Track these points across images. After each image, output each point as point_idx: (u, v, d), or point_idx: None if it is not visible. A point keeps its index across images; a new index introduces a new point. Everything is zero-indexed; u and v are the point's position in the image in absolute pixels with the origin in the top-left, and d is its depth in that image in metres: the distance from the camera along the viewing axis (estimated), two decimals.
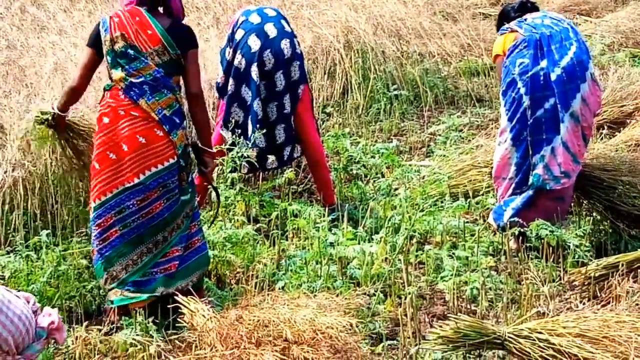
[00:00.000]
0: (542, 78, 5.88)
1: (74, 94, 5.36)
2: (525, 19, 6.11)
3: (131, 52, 4.98)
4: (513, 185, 6.04)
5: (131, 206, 5.00)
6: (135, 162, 4.99)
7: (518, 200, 5.99)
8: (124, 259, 5.07)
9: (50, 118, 5.45)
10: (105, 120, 5.04)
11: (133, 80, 4.99)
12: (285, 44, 6.52)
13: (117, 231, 5.04)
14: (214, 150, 5.35)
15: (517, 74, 5.93)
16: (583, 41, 6.06)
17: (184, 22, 5.26)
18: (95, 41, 5.12)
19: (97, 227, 5.07)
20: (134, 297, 5.07)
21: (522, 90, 5.91)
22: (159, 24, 5.03)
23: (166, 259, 5.10)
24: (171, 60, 5.03)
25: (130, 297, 5.07)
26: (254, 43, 6.44)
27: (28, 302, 3.65)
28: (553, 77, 5.85)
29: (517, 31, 6.05)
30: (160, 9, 5.13)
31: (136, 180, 4.98)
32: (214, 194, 5.71)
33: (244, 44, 6.46)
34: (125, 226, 5.03)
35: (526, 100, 5.90)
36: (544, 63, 5.89)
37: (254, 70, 6.45)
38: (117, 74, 5.02)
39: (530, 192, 5.97)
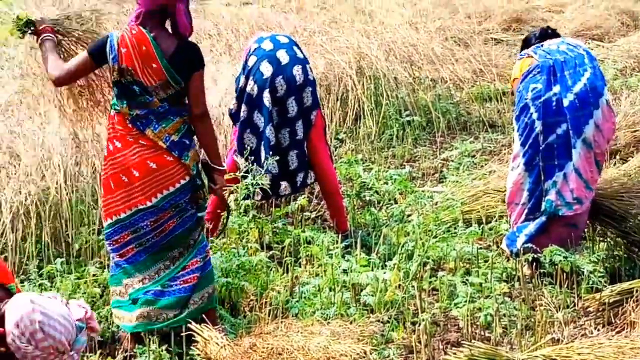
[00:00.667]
0: (554, 103, 5.88)
1: (50, 78, 5.26)
2: (542, 45, 6.14)
3: (136, 88, 4.95)
4: (526, 210, 6.04)
5: (145, 227, 5.04)
6: (147, 185, 5.01)
7: (531, 227, 5.99)
8: (140, 274, 5.11)
9: (27, 31, 5.33)
10: (117, 144, 5.05)
11: (138, 112, 4.98)
12: (297, 71, 6.54)
13: (134, 249, 5.08)
14: (224, 167, 5.31)
15: (529, 99, 5.94)
16: (599, 68, 6.05)
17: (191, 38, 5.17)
18: (96, 52, 5.04)
19: (113, 243, 5.12)
20: (147, 325, 5.08)
21: (535, 116, 5.92)
22: (163, 54, 4.94)
23: (186, 271, 5.12)
24: (175, 93, 5.01)
25: (143, 325, 5.08)
26: (266, 69, 6.47)
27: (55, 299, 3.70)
28: (565, 102, 5.85)
29: (532, 56, 6.08)
30: (168, 25, 5.05)
31: (149, 203, 5.01)
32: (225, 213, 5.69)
33: (256, 71, 6.49)
34: (140, 244, 5.07)
35: (538, 126, 5.91)
36: (556, 88, 5.89)
37: (266, 97, 6.47)
38: (123, 107, 5.01)
39: (543, 218, 5.97)
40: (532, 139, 5.94)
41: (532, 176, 5.97)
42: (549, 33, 6.39)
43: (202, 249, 5.17)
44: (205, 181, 5.25)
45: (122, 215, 5.05)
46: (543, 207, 5.95)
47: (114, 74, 4.98)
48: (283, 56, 6.54)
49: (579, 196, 5.88)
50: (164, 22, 5.06)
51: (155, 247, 5.07)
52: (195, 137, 5.15)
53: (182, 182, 5.04)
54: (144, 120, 4.99)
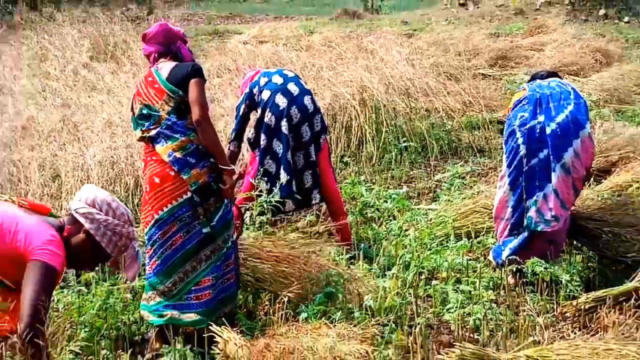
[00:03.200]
0: (538, 131, 5.88)
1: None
2: (536, 81, 6.19)
3: (145, 111, 5.08)
4: (509, 226, 6.03)
5: (157, 239, 5.08)
6: (155, 199, 5.06)
7: (515, 242, 5.99)
8: (161, 285, 5.13)
9: None
10: (142, 165, 5.22)
11: (151, 134, 5.06)
12: (307, 100, 6.58)
13: (155, 261, 5.12)
14: (232, 167, 5.19)
15: (517, 125, 5.94)
16: (584, 104, 6.02)
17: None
18: None
19: (147, 253, 5.18)
20: (174, 321, 5.10)
21: (520, 141, 5.92)
22: (162, 75, 5.09)
23: (199, 287, 5.13)
24: (179, 103, 5.03)
25: (170, 319, 5.10)
26: (281, 101, 6.48)
27: None
28: (548, 130, 5.85)
29: (525, 89, 6.12)
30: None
31: (156, 216, 5.06)
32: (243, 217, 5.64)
33: (272, 103, 6.49)
34: (158, 257, 5.10)
35: (522, 150, 5.91)
36: (541, 118, 5.89)
37: (284, 125, 6.47)
38: (138, 134, 5.16)
39: (526, 233, 5.96)
40: (517, 161, 5.94)
41: (516, 194, 5.98)
42: (551, 75, 6.42)
43: (216, 269, 5.15)
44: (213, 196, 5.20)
45: (146, 229, 5.14)
46: (525, 223, 5.95)
47: (132, 111, 5.23)
48: (293, 88, 6.57)
49: (557, 214, 5.88)
50: (167, 56, 5.24)
51: (169, 260, 5.09)
52: (205, 160, 5.06)
53: (184, 197, 5.03)
54: (156, 139, 5.06)
